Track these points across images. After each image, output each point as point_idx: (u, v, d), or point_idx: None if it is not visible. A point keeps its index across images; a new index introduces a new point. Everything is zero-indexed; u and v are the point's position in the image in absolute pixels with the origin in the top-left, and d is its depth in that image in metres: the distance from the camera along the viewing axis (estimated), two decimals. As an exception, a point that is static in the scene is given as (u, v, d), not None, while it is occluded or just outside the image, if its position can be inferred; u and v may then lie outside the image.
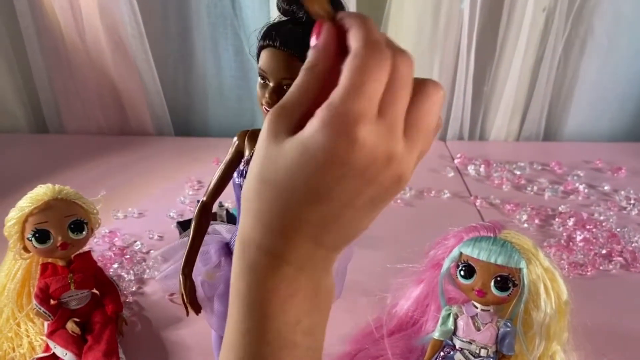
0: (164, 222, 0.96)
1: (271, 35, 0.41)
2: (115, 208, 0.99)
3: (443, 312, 0.59)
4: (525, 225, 0.97)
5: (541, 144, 1.36)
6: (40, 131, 1.38)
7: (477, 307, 0.57)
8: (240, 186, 0.47)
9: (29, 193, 0.64)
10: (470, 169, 1.17)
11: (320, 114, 0.24)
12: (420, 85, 0.25)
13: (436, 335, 0.59)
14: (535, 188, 1.10)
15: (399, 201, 1.05)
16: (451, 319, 0.58)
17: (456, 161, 1.22)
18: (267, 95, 0.42)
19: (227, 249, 0.54)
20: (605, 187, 1.11)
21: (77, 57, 1.26)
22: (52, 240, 0.63)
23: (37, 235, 0.62)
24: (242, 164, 0.49)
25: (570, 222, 0.96)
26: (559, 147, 1.34)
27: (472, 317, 0.57)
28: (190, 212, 0.98)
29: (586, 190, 1.09)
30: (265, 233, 0.26)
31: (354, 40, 0.24)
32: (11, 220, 0.62)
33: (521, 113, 1.35)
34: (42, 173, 1.09)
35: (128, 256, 0.85)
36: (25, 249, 0.64)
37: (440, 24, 1.23)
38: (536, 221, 0.98)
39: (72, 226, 0.64)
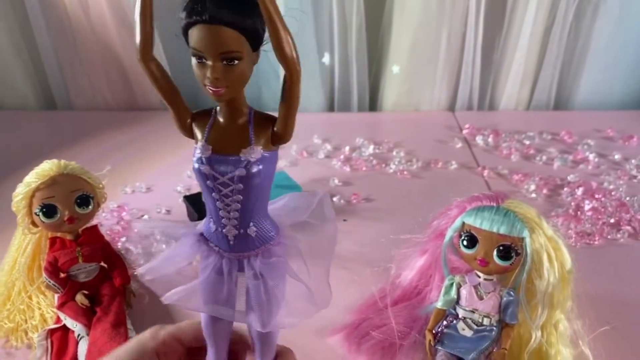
0: (171, 196, 0.97)
1: (197, 10, 0.36)
2: (123, 182, 1.00)
3: (446, 282, 0.59)
4: (533, 195, 0.96)
5: (551, 113, 1.34)
6: (49, 108, 1.39)
7: (479, 277, 0.57)
8: (200, 171, 0.41)
9: (35, 169, 0.65)
10: (479, 139, 1.16)
11: None
12: None
13: (439, 304, 0.59)
14: (544, 158, 1.09)
15: (405, 172, 1.04)
16: (454, 289, 0.59)
17: (464, 132, 1.20)
18: (208, 74, 0.38)
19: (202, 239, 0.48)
20: (616, 156, 1.09)
21: (82, 33, 1.26)
22: (59, 215, 0.63)
23: (44, 210, 0.63)
24: (197, 150, 0.42)
25: (579, 192, 0.95)
26: (570, 116, 1.32)
27: (475, 287, 0.57)
28: (197, 187, 0.98)
29: (596, 160, 1.08)
30: None
31: None
32: (18, 195, 0.63)
33: (531, 82, 1.32)
34: (52, 149, 1.10)
35: (136, 230, 0.86)
36: (34, 224, 0.65)
37: (448, -8, 1.20)
38: (544, 191, 0.97)
39: (78, 201, 0.64)
